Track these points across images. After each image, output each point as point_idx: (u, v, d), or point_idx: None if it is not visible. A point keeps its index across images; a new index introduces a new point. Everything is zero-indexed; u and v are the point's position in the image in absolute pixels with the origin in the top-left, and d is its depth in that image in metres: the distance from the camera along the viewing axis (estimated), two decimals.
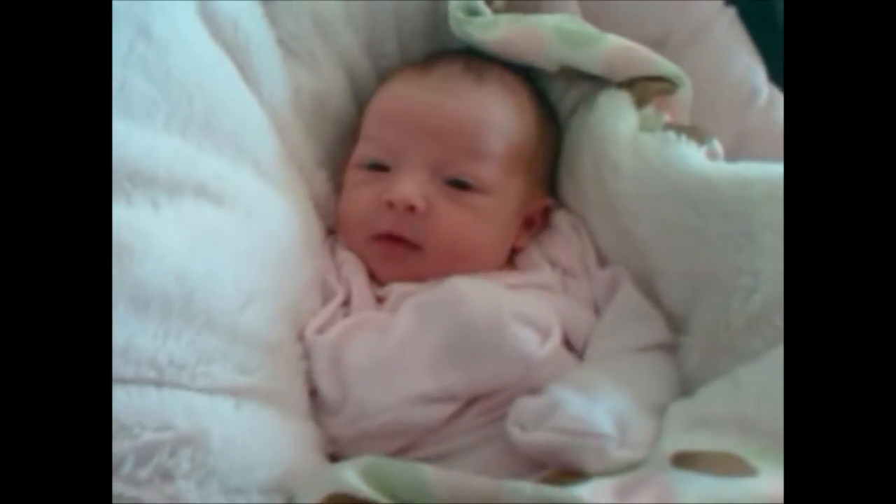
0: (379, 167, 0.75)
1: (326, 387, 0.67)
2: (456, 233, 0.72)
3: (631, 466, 0.58)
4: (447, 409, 0.64)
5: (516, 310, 0.65)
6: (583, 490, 0.53)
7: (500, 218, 0.75)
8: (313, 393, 0.68)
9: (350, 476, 0.56)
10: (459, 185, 0.73)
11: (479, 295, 0.67)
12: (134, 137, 0.62)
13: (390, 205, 0.71)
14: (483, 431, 0.64)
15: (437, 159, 0.72)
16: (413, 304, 0.68)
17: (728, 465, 0.52)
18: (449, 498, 0.55)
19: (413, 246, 0.72)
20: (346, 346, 0.67)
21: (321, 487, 0.57)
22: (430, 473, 0.56)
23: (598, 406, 0.60)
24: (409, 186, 0.71)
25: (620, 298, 0.72)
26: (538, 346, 0.65)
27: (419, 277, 0.72)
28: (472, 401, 0.65)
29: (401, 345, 0.66)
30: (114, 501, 0.52)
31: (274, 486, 0.59)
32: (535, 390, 0.64)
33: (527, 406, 0.61)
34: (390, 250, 0.73)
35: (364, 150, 0.76)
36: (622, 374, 0.65)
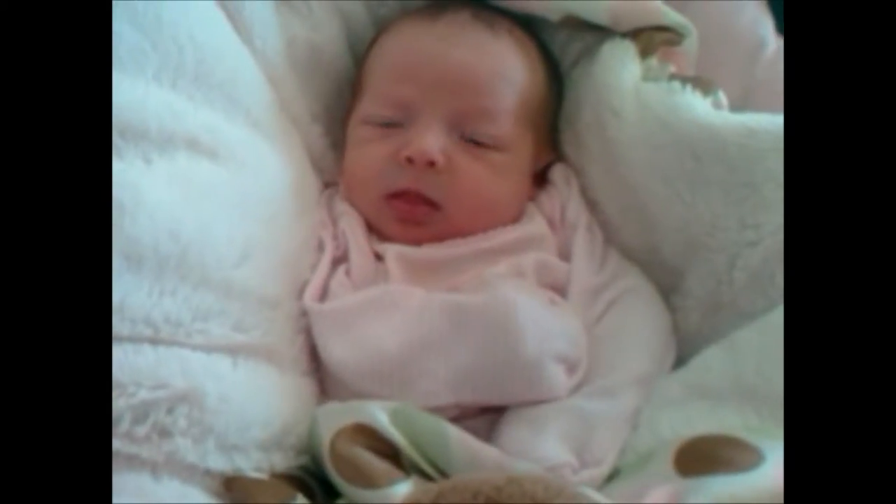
0: (391, 124, 0.72)
1: (339, 352, 0.64)
2: (476, 188, 0.70)
3: (638, 463, 0.57)
4: (450, 414, 0.62)
5: (558, 349, 0.63)
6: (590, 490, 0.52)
7: (515, 174, 0.73)
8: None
9: (378, 413, 0.57)
10: (476, 142, 0.71)
11: (528, 321, 0.63)
12: (124, 88, 0.61)
13: (409, 161, 0.68)
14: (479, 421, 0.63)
15: (454, 114, 0.70)
16: (450, 304, 0.64)
17: (733, 456, 0.51)
18: (466, 459, 0.56)
19: (432, 206, 0.70)
20: (363, 320, 0.65)
21: (347, 416, 0.57)
22: (453, 432, 0.57)
23: (545, 434, 0.59)
24: (430, 141, 0.69)
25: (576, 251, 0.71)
26: (565, 383, 0.63)
27: (436, 239, 0.70)
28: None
29: (428, 347, 0.63)
30: (113, 457, 0.52)
31: (272, 444, 0.59)
32: None
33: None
34: (409, 212, 0.70)
35: (374, 107, 0.73)
36: (593, 357, 0.64)
